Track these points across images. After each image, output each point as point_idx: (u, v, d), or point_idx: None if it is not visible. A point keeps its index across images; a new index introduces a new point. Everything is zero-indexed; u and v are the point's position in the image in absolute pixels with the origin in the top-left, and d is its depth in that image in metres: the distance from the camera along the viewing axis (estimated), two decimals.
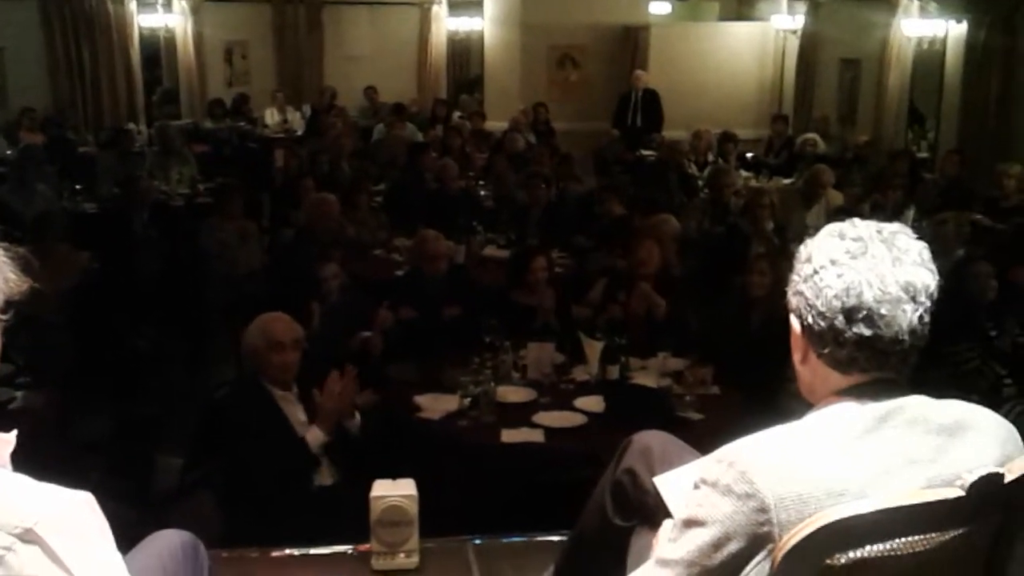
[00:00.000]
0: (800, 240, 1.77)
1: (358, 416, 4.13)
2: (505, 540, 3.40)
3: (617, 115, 12.90)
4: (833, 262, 1.65)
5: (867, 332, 1.63)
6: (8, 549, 1.41)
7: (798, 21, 13.39)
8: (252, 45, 15.26)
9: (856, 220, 1.72)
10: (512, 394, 4.58)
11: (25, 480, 1.52)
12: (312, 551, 3.29)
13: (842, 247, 1.66)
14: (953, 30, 10.54)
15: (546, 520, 3.38)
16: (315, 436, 3.92)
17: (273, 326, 4.11)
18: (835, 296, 1.64)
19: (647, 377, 4.77)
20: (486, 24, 14.72)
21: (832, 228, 1.72)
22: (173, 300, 6.94)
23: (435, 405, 4.44)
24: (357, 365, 4.88)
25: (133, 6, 14.15)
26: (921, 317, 1.64)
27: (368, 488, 3.17)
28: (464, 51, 15.93)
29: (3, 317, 1.55)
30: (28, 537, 1.42)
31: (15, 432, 1.62)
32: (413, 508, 3.13)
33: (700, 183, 9.80)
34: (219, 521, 3.90)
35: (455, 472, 4.14)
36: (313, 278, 5.44)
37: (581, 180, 9.69)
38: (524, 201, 8.35)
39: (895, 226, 1.70)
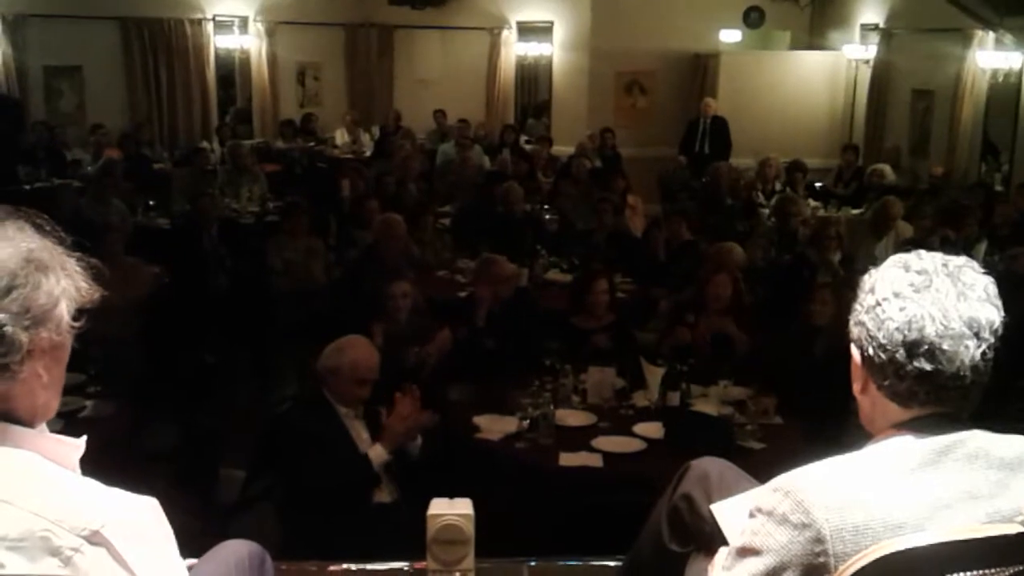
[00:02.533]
0: (867, 272, 1.76)
1: (420, 438, 4.17)
2: (561, 563, 3.40)
3: (684, 142, 12.87)
4: (896, 294, 1.64)
5: (928, 367, 1.61)
6: (76, 550, 1.45)
7: (871, 51, 13.24)
8: (324, 67, 15.49)
9: (922, 252, 1.71)
10: (571, 418, 4.59)
11: (94, 484, 1.57)
12: (369, 566, 3.32)
13: (906, 279, 1.65)
14: None
15: (602, 545, 3.38)
16: (378, 454, 3.96)
17: (362, 361, 4.14)
18: (897, 329, 1.62)
19: (708, 405, 4.75)
20: (555, 49, 14.80)
21: (897, 259, 1.71)
22: (240, 315, 7.06)
23: (494, 426, 4.46)
24: (412, 382, 4.94)
25: (210, 27, 14.46)
26: (984, 354, 1.61)
27: (426, 507, 3.20)
28: (532, 76, 16.02)
29: (76, 324, 1.60)
30: (95, 539, 1.46)
31: (84, 438, 1.67)
32: (469, 527, 3.15)
33: (767, 211, 9.74)
34: (279, 534, 3.96)
35: (512, 493, 4.15)
36: (378, 297, 5.48)
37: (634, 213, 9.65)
38: (589, 226, 8.37)
39: (961, 260, 1.68)
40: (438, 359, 5.36)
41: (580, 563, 3.39)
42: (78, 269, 1.62)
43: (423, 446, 4.22)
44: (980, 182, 10.68)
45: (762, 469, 3.11)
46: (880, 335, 1.65)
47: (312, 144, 13.63)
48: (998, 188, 10.83)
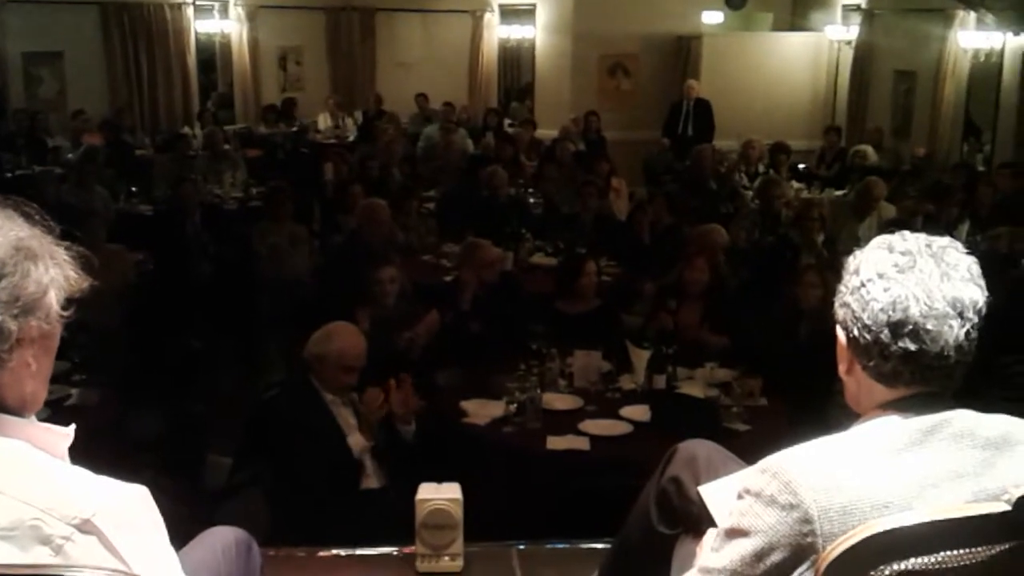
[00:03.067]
0: (851, 253, 1.77)
1: (414, 423, 4.17)
2: (549, 546, 3.42)
3: (668, 124, 12.86)
4: (880, 275, 1.65)
5: (912, 347, 1.62)
6: (67, 539, 1.45)
7: (852, 32, 13.25)
8: (306, 51, 15.40)
9: (906, 233, 1.72)
10: (558, 401, 4.60)
11: (84, 472, 1.56)
12: (358, 552, 3.33)
13: (890, 260, 1.66)
14: (1011, 42, 10.39)
15: (590, 527, 3.39)
16: (356, 441, 3.96)
17: (350, 349, 4.14)
18: (881, 310, 1.64)
19: (694, 387, 4.77)
20: (537, 32, 14.76)
21: (881, 240, 1.72)
22: (224, 302, 7.04)
23: (481, 411, 4.47)
24: (400, 367, 4.94)
25: (190, 12, 14.36)
26: (968, 333, 1.63)
27: (414, 491, 3.21)
28: (515, 59, 15.98)
29: (65, 313, 1.59)
30: (86, 528, 1.46)
31: (73, 426, 1.66)
32: (458, 512, 3.16)
33: (750, 193, 9.75)
34: (267, 520, 3.96)
35: (500, 477, 4.16)
36: (363, 283, 5.48)
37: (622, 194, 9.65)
38: (574, 209, 8.37)
39: (945, 240, 1.69)
40: (427, 341, 5.36)
41: (568, 546, 3.41)
42: (67, 258, 1.61)
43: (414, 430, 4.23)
44: (962, 163, 10.72)
45: (748, 450, 3.13)
46: (865, 316, 1.66)
47: (295, 129, 13.57)
48: (980, 168, 10.88)
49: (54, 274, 1.57)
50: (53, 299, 1.56)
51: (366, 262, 5.75)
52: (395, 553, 3.30)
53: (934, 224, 7.86)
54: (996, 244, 6.68)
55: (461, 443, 4.35)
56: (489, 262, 5.94)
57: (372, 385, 4.14)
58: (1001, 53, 10.58)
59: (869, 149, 11.27)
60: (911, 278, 1.63)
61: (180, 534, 2.39)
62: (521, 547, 3.36)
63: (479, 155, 11.23)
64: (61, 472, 1.55)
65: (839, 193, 10.24)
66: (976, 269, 1.66)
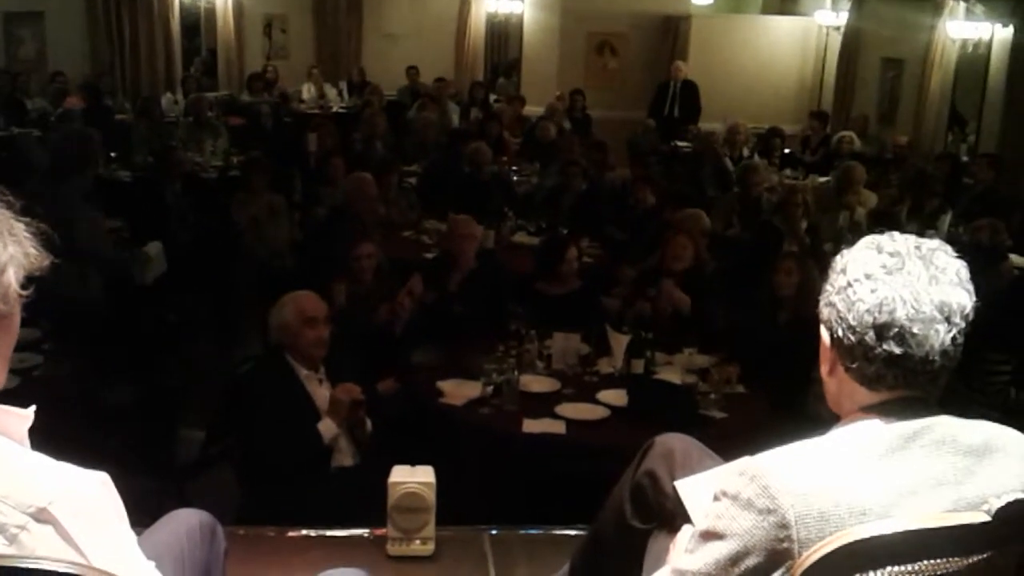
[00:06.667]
0: (833, 239, 1.74)
1: (369, 424, 4.12)
2: (522, 531, 3.40)
3: (654, 105, 12.83)
4: (868, 276, 1.62)
5: (897, 350, 1.59)
6: (22, 528, 1.41)
7: (841, 18, 13.23)
8: (292, 19, 15.26)
9: (895, 234, 1.69)
10: (535, 383, 4.56)
11: (42, 459, 1.52)
12: (328, 533, 3.31)
13: (878, 261, 1.63)
14: (999, 33, 10.37)
15: (563, 512, 3.37)
16: (327, 427, 3.92)
17: (305, 302, 4.12)
18: (867, 311, 1.61)
19: (672, 373, 4.74)
20: (526, 7, 14.66)
21: (870, 240, 1.69)
22: (202, 272, 6.96)
23: (458, 391, 4.43)
24: (380, 345, 4.89)
25: None
26: (954, 338, 1.60)
27: (387, 472, 3.18)
28: (503, 34, 15.88)
29: (24, 293, 1.53)
30: (42, 517, 1.42)
31: (33, 408, 1.61)
32: (431, 496, 3.13)
33: (734, 177, 9.72)
34: (238, 496, 3.92)
35: (475, 459, 4.14)
36: (344, 257, 5.41)
37: (615, 168, 9.61)
38: (556, 188, 8.32)
39: (935, 243, 1.66)
40: (413, 306, 5.25)
41: (541, 532, 3.39)
42: (27, 235, 1.55)
43: (385, 411, 4.20)
44: (946, 152, 10.73)
45: (725, 439, 3.12)
46: (850, 316, 1.63)
47: (277, 99, 13.44)
48: (964, 159, 10.89)
49: (13, 251, 1.51)
50: (12, 277, 1.50)
51: (348, 236, 5.68)
52: (366, 535, 3.27)
53: (916, 214, 7.86)
54: (978, 235, 6.67)
55: (436, 423, 4.31)
56: (470, 237, 5.85)
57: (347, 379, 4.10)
58: (989, 44, 10.58)
59: (854, 135, 11.26)
60: (899, 280, 1.60)
61: (147, 509, 2.36)
62: (493, 532, 3.34)
63: (461, 129, 11.12)
64: (18, 458, 1.50)
65: (823, 180, 10.22)
66: (965, 273, 1.64)
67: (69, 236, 5.42)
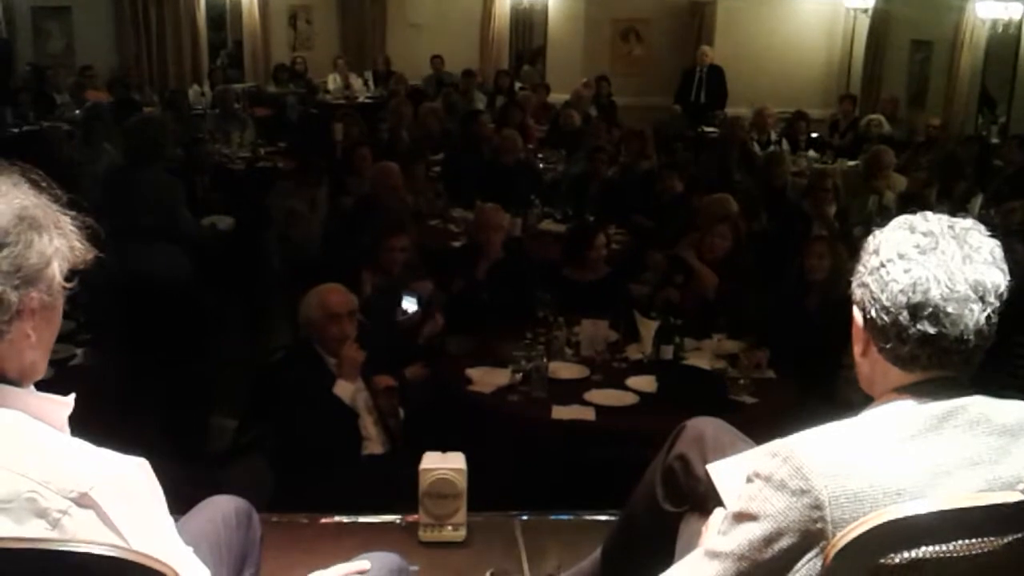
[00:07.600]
0: (863, 223, 1.73)
1: (401, 413, 4.15)
2: (552, 517, 3.41)
3: (680, 91, 12.77)
4: (901, 256, 1.61)
5: (931, 330, 1.59)
6: (64, 513, 1.43)
7: (869, 0, 13.12)
8: (316, 10, 15.29)
9: (928, 214, 1.68)
10: (564, 370, 4.56)
11: (82, 445, 1.54)
12: (361, 519, 3.33)
13: (911, 241, 1.62)
14: None
15: (594, 498, 3.38)
16: (343, 388, 3.96)
17: (329, 297, 4.14)
18: (901, 291, 1.60)
19: (701, 359, 4.73)
20: None
21: (902, 220, 1.68)
22: (235, 264, 7.00)
23: (487, 379, 4.43)
24: (409, 337, 4.91)
25: None
26: (989, 317, 1.59)
27: (418, 459, 3.19)
28: (527, 22, 15.82)
29: (68, 285, 1.56)
30: (84, 502, 1.44)
31: (73, 395, 1.63)
32: (462, 481, 3.15)
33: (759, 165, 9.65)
34: (270, 484, 3.96)
35: (504, 446, 4.14)
36: (372, 247, 5.41)
37: (652, 158, 9.55)
38: (583, 175, 8.30)
39: (968, 222, 1.65)
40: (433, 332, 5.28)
41: (572, 517, 3.40)
42: (72, 228, 1.57)
43: (413, 400, 4.23)
44: (976, 135, 10.62)
45: (755, 424, 3.11)
46: (884, 297, 1.63)
47: (304, 90, 13.48)
48: (994, 141, 10.78)
49: (58, 244, 1.53)
50: (56, 270, 1.53)
51: (377, 226, 5.68)
52: (398, 521, 3.29)
53: (947, 197, 7.79)
54: (1009, 218, 6.59)
55: (465, 411, 4.32)
56: (498, 226, 5.84)
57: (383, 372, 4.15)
58: (1019, 24, 10.47)
59: (882, 118, 11.16)
60: (932, 260, 1.59)
61: (181, 497, 2.38)
62: (524, 518, 3.35)
63: (473, 111, 10.99)
64: (59, 444, 1.52)
65: (852, 164, 10.14)
66: (999, 252, 1.63)
67: (158, 221, 5.61)
